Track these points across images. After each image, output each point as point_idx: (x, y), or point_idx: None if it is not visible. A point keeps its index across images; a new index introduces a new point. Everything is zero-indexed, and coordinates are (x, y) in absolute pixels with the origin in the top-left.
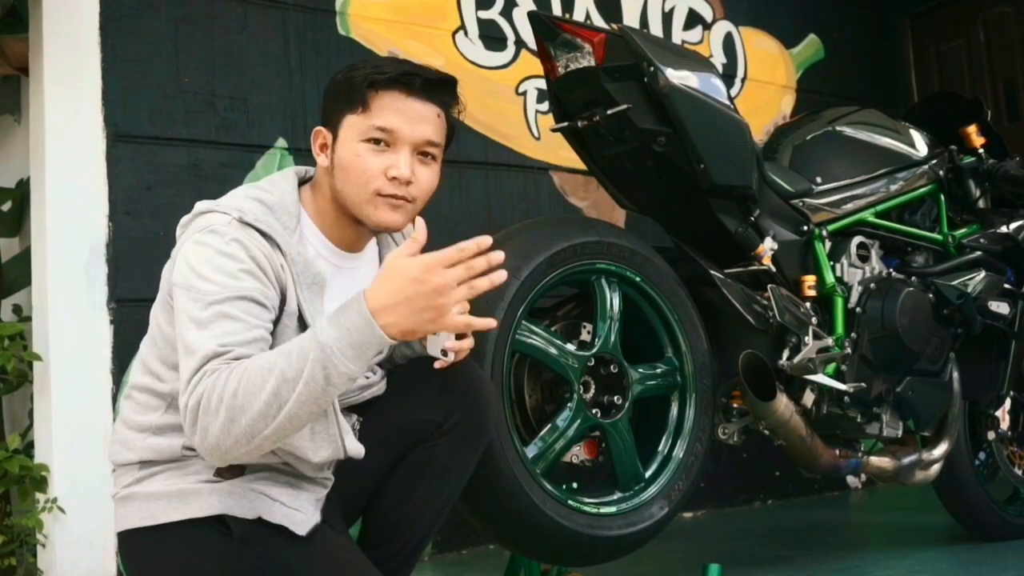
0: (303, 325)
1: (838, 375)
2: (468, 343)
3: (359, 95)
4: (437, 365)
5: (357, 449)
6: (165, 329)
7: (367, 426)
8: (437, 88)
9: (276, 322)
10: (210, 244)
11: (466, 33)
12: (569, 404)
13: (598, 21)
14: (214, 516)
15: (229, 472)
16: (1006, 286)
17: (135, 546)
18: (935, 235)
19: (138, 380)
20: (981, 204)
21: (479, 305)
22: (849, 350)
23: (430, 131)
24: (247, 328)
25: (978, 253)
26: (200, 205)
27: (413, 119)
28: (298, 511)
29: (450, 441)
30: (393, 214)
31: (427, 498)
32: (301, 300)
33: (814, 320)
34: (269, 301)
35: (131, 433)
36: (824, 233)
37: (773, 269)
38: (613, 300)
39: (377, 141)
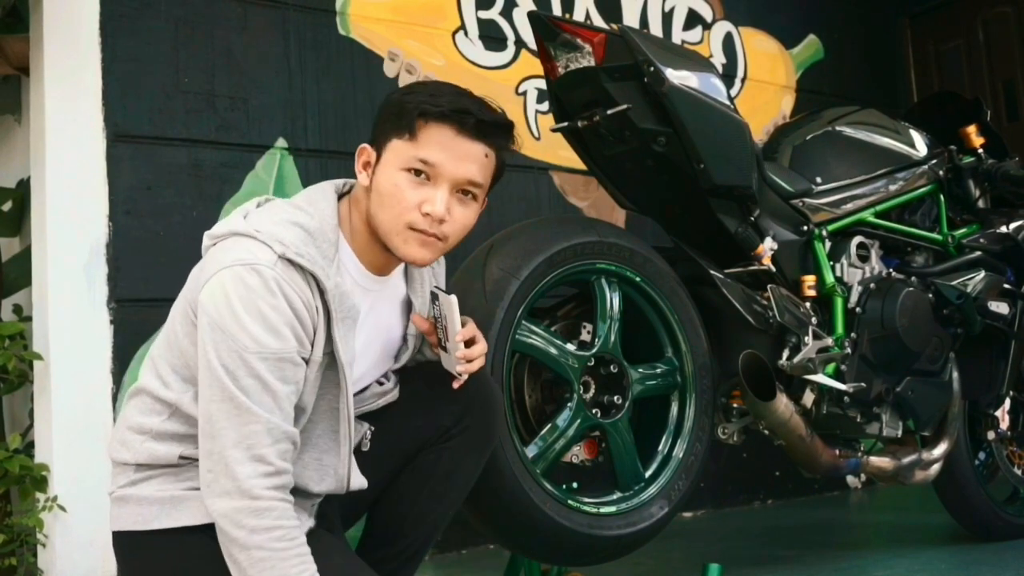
0: (333, 360)
1: (838, 375)
2: (477, 365)
3: (408, 122)
4: (456, 384)
5: (360, 484)
6: (182, 341)
7: (375, 429)
8: (491, 131)
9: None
10: (253, 287)
11: (466, 33)
12: (569, 404)
13: (598, 21)
14: (207, 524)
15: None
16: (1006, 286)
17: (128, 548)
18: (935, 235)
19: (146, 382)
20: (981, 204)
21: (479, 305)
22: (849, 350)
23: (474, 171)
24: (279, 404)
25: (978, 253)
26: (237, 223)
27: (458, 157)
28: None
29: (457, 445)
30: (421, 250)
31: (432, 501)
32: (336, 338)
33: (814, 320)
34: (303, 354)
35: (131, 434)
36: (824, 233)
37: (773, 269)
38: (613, 300)
39: (418, 172)
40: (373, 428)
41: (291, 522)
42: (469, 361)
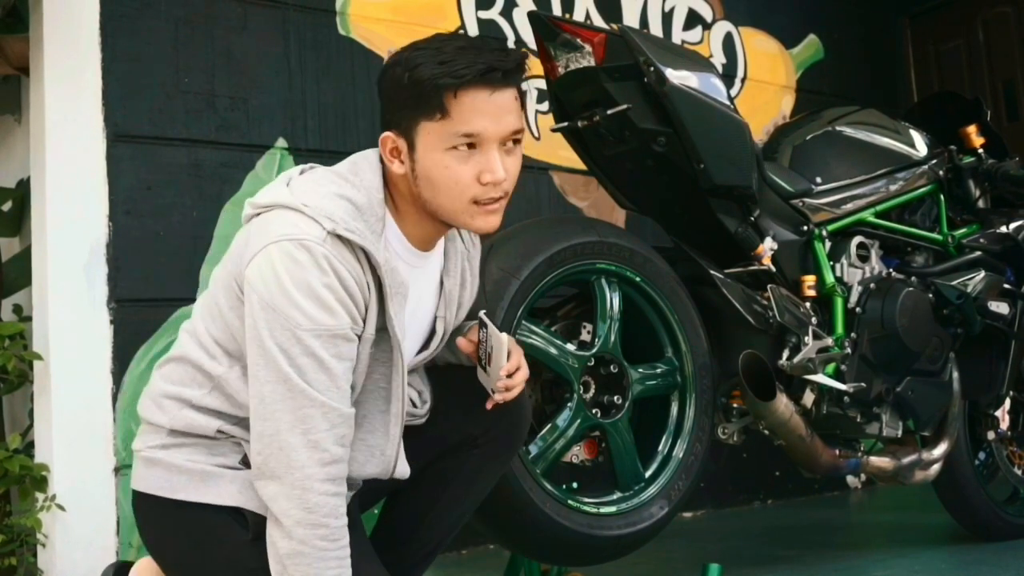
0: (383, 337)
1: (838, 375)
2: (515, 393)
3: (436, 101)
4: (489, 405)
5: (404, 472)
6: (227, 315)
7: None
8: (516, 73)
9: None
10: (303, 264)
11: (466, 33)
12: (569, 404)
13: (598, 21)
14: (233, 507)
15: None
16: (1006, 286)
17: (152, 511)
18: (935, 235)
19: (189, 351)
20: (981, 204)
21: (479, 305)
22: (849, 350)
23: (514, 120)
24: (335, 383)
25: (978, 253)
26: (283, 195)
27: (497, 116)
28: None
29: (482, 454)
30: (491, 218)
31: (451, 504)
32: (391, 313)
33: (814, 320)
34: (356, 330)
35: (168, 400)
36: (824, 233)
37: (773, 269)
38: (613, 300)
39: (468, 146)
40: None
41: (338, 521)
42: (508, 389)
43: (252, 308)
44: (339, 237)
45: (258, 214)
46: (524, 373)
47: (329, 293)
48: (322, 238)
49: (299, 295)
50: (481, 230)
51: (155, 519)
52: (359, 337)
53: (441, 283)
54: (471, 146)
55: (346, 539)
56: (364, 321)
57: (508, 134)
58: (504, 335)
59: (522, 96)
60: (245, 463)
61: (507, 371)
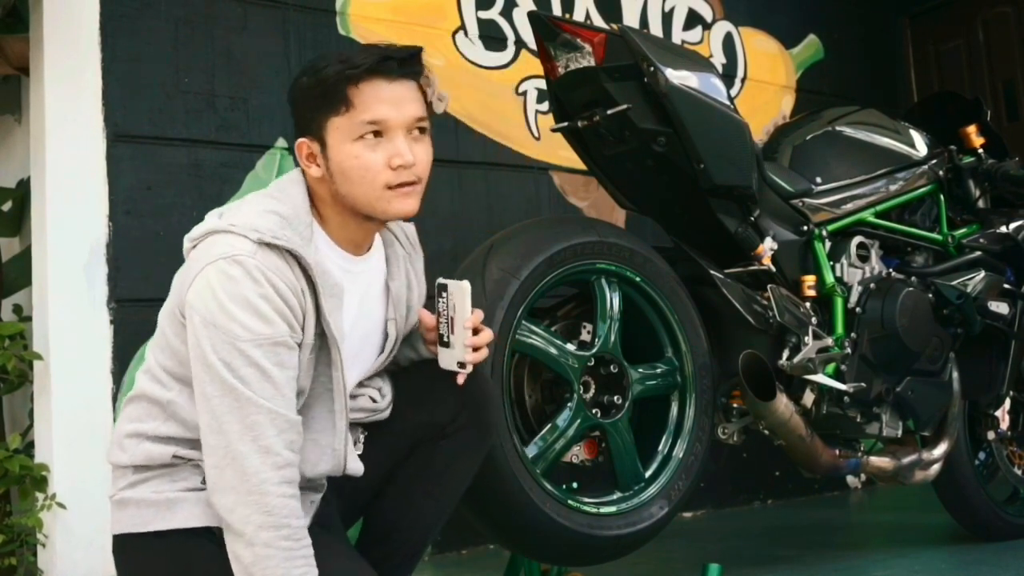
0: (324, 341)
1: (838, 375)
2: (483, 354)
3: (339, 95)
4: (460, 379)
5: (357, 468)
6: (173, 341)
7: (371, 428)
8: (411, 64)
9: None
10: (237, 278)
11: (466, 33)
12: (569, 404)
13: (598, 21)
14: (203, 526)
15: None
16: (1006, 286)
17: (127, 550)
18: (935, 235)
19: (143, 386)
20: (981, 204)
21: (479, 305)
22: (849, 350)
23: (417, 107)
24: (279, 391)
25: (978, 253)
26: (212, 223)
27: (398, 103)
28: None
29: (453, 443)
30: (407, 201)
31: (428, 498)
32: (325, 313)
33: (814, 320)
34: (295, 338)
35: (128, 439)
36: (824, 233)
37: (773, 269)
38: (613, 300)
39: (375, 135)
40: (366, 432)
41: (298, 521)
42: (476, 350)
43: (194, 328)
44: (268, 246)
45: (195, 246)
46: (489, 334)
47: (265, 303)
48: (252, 251)
49: (236, 308)
50: (400, 214)
51: (132, 557)
52: (300, 345)
53: (388, 288)
54: (377, 134)
55: (308, 539)
56: (304, 328)
57: (411, 121)
58: (465, 281)
59: (424, 90)
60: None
61: (472, 324)
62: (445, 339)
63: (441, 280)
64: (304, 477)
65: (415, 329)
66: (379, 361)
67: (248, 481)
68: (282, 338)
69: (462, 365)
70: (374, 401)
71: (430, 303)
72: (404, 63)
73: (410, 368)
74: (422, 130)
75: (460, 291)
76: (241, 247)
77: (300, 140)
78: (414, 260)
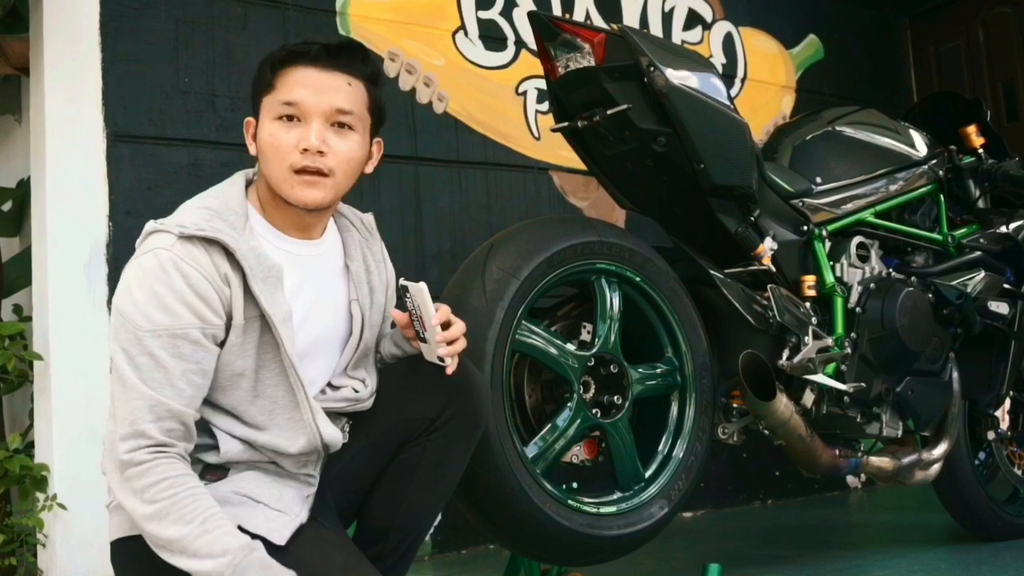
0: (265, 321)
1: (838, 375)
2: (460, 346)
3: (268, 77)
4: (449, 371)
5: (334, 436)
6: None
7: (360, 425)
8: (339, 55)
9: (224, 342)
10: (148, 270)
11: (466, 33)
12: (569, 404)
13: (598, 21)
14: None
15: (211, 474)
16: (1006, 286)
17: (122, 555)
18: (935, 235)
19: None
20: (981, 204)
21: (479, 305)
22: (849, 350)
23: (340, 99)
24: (171, 381)
25: (978, 253)
26: (149, 224)
27: (319, 90)
28: (282, 512)
29: (444, 436)
30: (310, 190)
31: (422, 493)
32: (258, 295)
33: (814, 320)
34: (208, 331)
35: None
36: (824, 233)
37: (773, 269)
38: (613, 300)
39: (288, 118)
40: (351, 421)
41: (175, 471)
42: (450, 343)
43: (111, 320)
44: (189, 238)
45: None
46: (460, 326)
47: (171, 295)
48: (170, 244)
49: (142, 299)
50: (300, 202)
51: (126, 562)
52: (228, 328)
53: (348, 269)
54: (292, 117)
55: (192, 480)
56: (232, 312)
57: (330, 110)
58: (421, 283)
59: (373, 97)
60: (202, 477)
61: (438, 321)
62: (421, 335)
63: (402, 281)
64: (291, 457)
65: (396, 326)
66: (351, 345)
67: (120, 459)
68: (183, 330)
69: (441, 360)
70: (356, 392)
71: (401, 303)
72: (327, 51)
73: (396, 365)
74: (346, 125)
75: (419, 292)
76: (161, 242)
77: (248, 119)
78: (371, 244)
